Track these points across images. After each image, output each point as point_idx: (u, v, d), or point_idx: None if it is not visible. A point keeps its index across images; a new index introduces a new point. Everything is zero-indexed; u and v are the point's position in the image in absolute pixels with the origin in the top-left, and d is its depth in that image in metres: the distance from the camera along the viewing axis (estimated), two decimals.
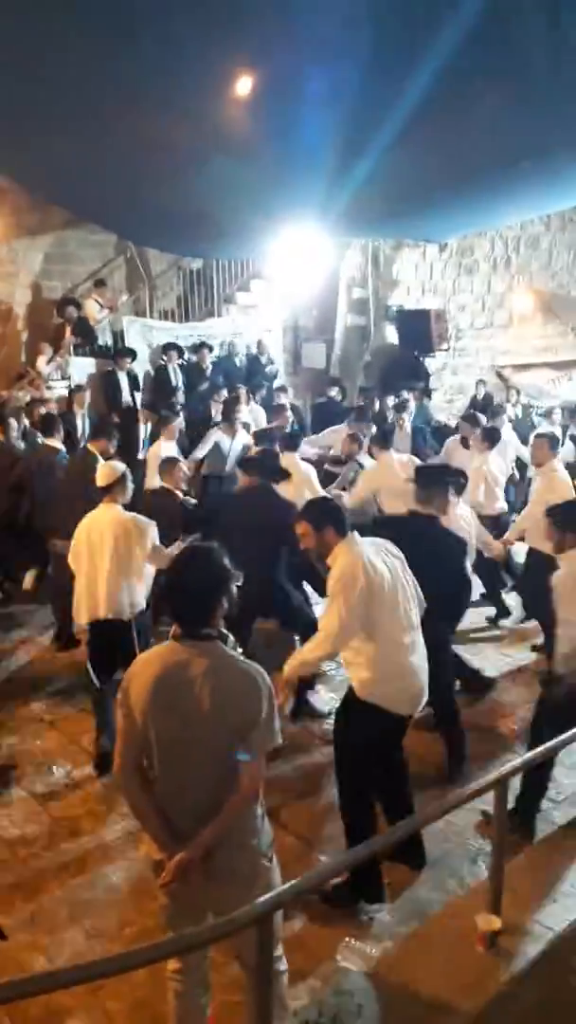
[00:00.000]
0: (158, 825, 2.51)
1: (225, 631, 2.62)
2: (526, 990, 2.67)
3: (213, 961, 2.82)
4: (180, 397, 10.33)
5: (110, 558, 4.76)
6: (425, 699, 3.61)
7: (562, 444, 8.45)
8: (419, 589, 3.66)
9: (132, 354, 10.72)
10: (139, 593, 4.88)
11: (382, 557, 3.53)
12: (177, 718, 2.45)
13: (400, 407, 10.19)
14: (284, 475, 5.93)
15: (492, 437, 7.56)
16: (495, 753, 4.84)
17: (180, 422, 8.76)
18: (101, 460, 6.13)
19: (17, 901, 3.70)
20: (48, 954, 3.36)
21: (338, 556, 3.46)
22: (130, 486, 5.12)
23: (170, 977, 2.69)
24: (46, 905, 3.69)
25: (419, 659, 3.57)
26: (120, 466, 5.13)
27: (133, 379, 10.64)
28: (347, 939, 3.38)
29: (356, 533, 3.55)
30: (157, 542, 4.91)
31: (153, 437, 8.95)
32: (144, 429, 9.45)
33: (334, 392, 11.62)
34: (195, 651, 2.50)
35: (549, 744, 3.24)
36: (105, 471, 5.03)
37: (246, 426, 8.93)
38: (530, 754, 3.17)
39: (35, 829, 4.25)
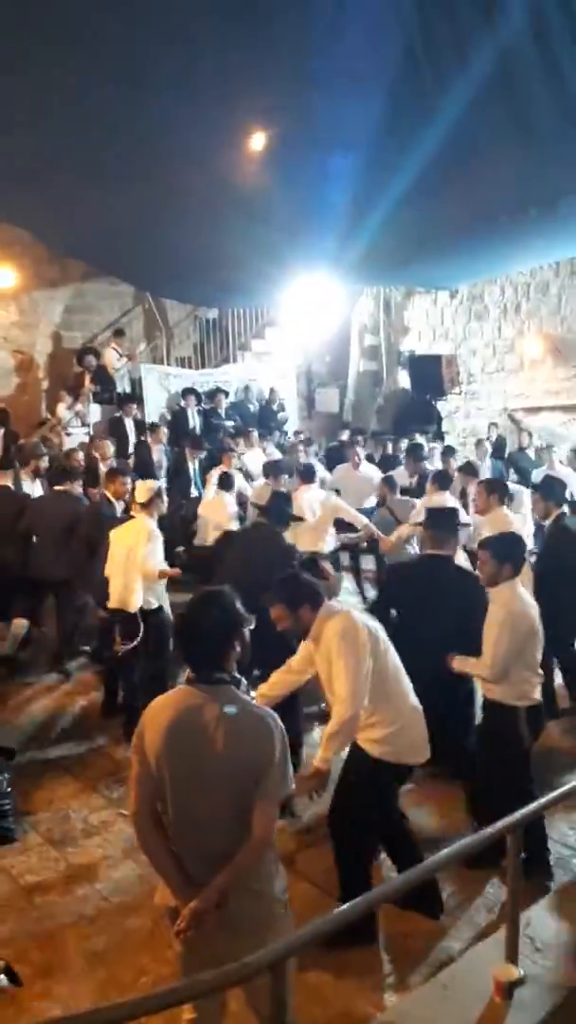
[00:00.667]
0: (172, 871, 2.51)
1: (238, 675, 2.65)
2: None
3: (228, 1010, 2.81)
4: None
5: (121, 557, 5.66)
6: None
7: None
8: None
9: (138, 401, 10.99)
10: (143, 591, 5.65)
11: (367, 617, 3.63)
12: (191, 763, 2.47)
13: (448, 451, 10.10)
14: (294, 520, 6.15)
15: (442, 480, 7.44)
16: None
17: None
18: (116, 503, 6.65)
19: (33, 949, 3.69)
20: (63, 1004, 3.34)
21: (324, 625, 3.47)
22: (164, 502, 6.14)
23: None
24: (62, 953, 3.67)
25: (419, 707, 3.65)
26: (155, 484, 6.14)
27: (139, 425, 10.88)
28: (363, 988, 3.34)
29: (329, 601, 3.59)
30: (153, 556, 5.74)
31: (204, 472, 9.44)
32: (192, 466, 9.77)
33: (345, 436, 11.76)
34: (208, 695, 2.52)
35: (564, 790, 3.23)
36: (143, 489, 5.96)
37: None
38: (544, 799, 3.16)
39: (51, 876, 4.25)
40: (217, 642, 2.58)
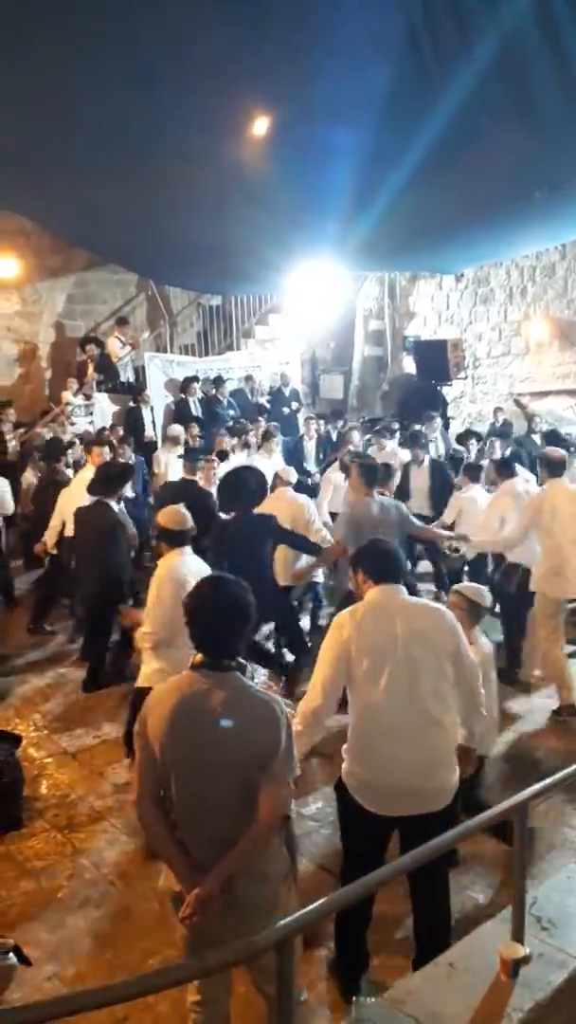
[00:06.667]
0: (177, 856, 2.51)
1: (243, 661, 2.64)
2: (550, 1019, 2.64)
3: (235, 993, 2.82)
4: (197, 429, 10.52)
5: None
6: (418, 807, 3.08)
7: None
8: None
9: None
10: None
11: (409, 623, 3.10)
12: (195, 749, 2.46)
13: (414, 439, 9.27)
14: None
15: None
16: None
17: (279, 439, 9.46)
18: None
19: (42, 932, 3.72)
20: (71, 986, 3.37)
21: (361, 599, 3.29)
22: None
23: (191, 1009, 2.70)
24: (69, 937, 3.70)
25: (411, 753, 3.04)
26: None
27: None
28: (371, 967, 3.35)
29: (394, 588, 3.21)
30: None
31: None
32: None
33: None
34: (214, 681, 2.51)
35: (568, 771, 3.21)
36: None
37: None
38: (551, 779, 3.15)
39: (59, 861, 4.27)
40: (232, 628, 2.57)
